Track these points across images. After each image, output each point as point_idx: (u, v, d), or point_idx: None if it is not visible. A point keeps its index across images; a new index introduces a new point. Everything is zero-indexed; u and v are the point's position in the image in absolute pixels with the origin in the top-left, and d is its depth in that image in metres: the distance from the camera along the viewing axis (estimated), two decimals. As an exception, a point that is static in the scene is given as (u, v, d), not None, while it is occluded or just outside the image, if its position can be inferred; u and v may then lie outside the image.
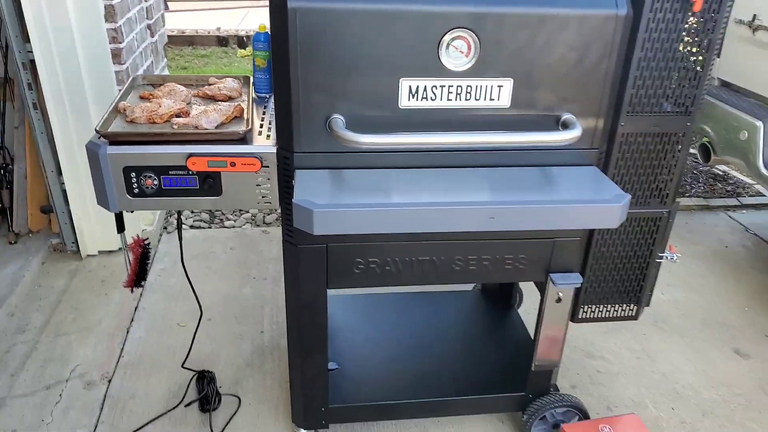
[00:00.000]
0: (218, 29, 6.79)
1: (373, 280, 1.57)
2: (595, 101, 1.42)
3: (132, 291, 1.81)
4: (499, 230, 1.29)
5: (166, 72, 3.72)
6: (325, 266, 1.52)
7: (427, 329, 2.13)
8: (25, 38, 2.37)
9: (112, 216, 1.60)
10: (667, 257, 1.82)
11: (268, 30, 1.45)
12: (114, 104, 1.51)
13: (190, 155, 1.37)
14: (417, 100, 1.35)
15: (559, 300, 1.65)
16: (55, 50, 2.33)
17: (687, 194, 3.69)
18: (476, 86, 1.35)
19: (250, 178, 1.43)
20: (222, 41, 6.76)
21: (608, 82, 1.41)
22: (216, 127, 1.45)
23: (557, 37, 1.33)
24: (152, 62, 3.05)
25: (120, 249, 2.81)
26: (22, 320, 2.40)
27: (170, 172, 1.40)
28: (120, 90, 1.65)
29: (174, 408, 2.00)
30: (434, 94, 1.35)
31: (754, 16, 2.60)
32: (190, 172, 1.40)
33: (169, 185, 1.41)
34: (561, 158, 1.47)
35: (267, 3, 1.28)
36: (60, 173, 2.65)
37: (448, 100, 1.36)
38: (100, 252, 2.83)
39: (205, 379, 2.06)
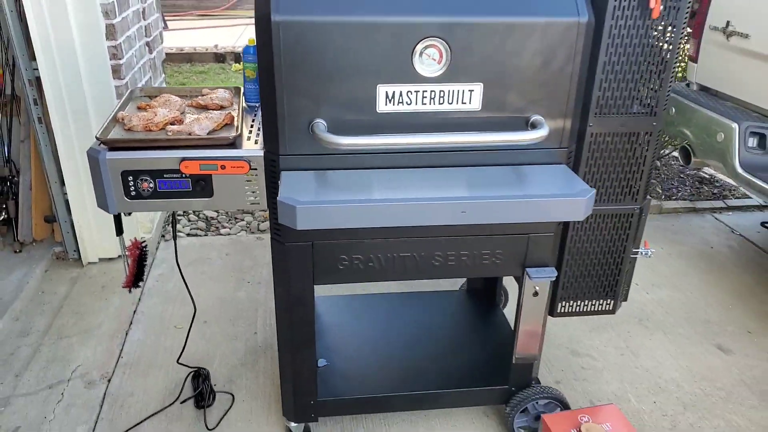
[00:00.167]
0: (215, 46, 6.94)
1: (357, 276, 1.66)
2: (562, 103, 1.51)
3: (130, 291, 1.90)
4: (470, 223, 1.38)
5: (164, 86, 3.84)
6: (312, 263, 1.61)
7: (415, 327, 2.21)
8: (31, 56, 2.49)
9: (111, 225, 1.70)
10: (642, 253, 1.90)
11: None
12: (113, 114, 1.62)
13: (183, 159, 1.46)
14: (394, 104, 1.45)
15: (536, 294, 1.73)
16: (59, 67, 2.45)
17: (673, 197, 3.78)
18: (448, 91, 1.45)
19: (240, 180, 1.52)
20: (219, 57, 6.91)
21: (573, 85, 1.50)
22: (208, 134, 1.55)
23: (523, 43, 1.43)
24: (151, 77, 3.17)
25: (119, 256, 2.91)
26: (26, 324, 2.49)
27: (165, 176, 1.49)
28: (119, 102, 1.76)
29: (170, 405, 2.08)
30: (409, 98, 1.44)
31: (728, 22, 2.70)
32: (184, 175, 1.49)
33: (164, 188, 1.51)
34: (532, 157, 1.57)
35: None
36: (63, 184, 2.76)
37: (423, 104, 1.46)
38: (100, 259, 2.92)
39: (200, 377, 2.14)
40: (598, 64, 1.56)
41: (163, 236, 3.22)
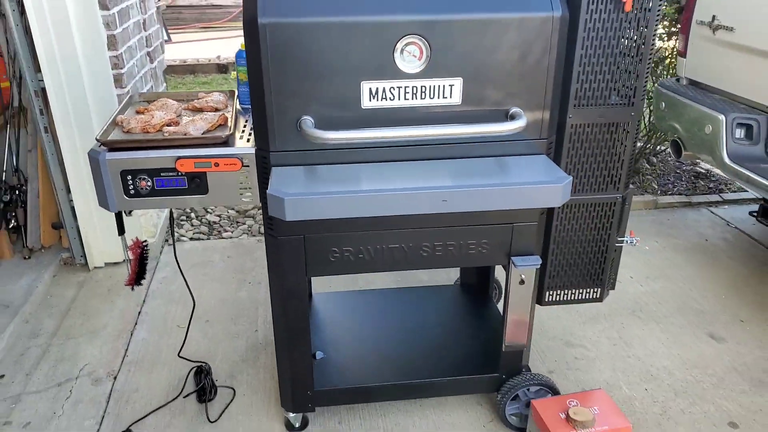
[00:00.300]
0: (218, 57, 7.07)
1: (348, 268, 1.72)
2: (540, 95, 1.57)
3: (133, 289, 1.97)
4: (451, 212, 1.44)
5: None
6: (304, 256, 1.68)
7: (409, 320, 2.27)
8: (37, 68, 2.59)
9: (116, 231, 1.78)
10: (627, 241, 1.96)
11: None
12: (112, 118, 1.70)
13: (179, 158, 1.54)
14: (378, 100, 1.52)
15: (522, 282, 1.78)
16: (63, 78, 2.54)
17: (669, 192, 3.82)
18: (430, 86, 1.52)
19: (233, 177, 1.59)
20: (222, 68, 7.03)
21: (551, 78, 1.56)
22: (202, 134, 1.63)
23: (500, 38, 1.50)
24: (152, 86, 3.26)
25: (124, 261, 2.99)
26: (35, 326, 2.57)
27: (162, 174, 1.57)
28: (119, 107, 1.84)
29: (173, 400, 2.15)
30: (392, 94, 1.51)
31: (714, 16, 2.76)
32: (180, 173, 1.57)
33: (162, 186, 1.58)
34: (513, 149, 1.63)
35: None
36: (69, 191, 2.85)
37: (406, 99, 1.53)
38: (106, 264, 3.01)
39: (202, 373, 2.21)
40: (575, 57, 1.62)
41: (166, 240, 3.30)
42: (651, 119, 3.86)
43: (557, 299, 1.96)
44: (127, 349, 2.43)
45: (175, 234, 3.36)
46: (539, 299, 1.95)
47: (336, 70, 1.47)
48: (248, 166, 1.58)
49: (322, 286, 2.82)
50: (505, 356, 1.93)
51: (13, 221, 2.95)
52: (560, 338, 2.48)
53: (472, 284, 2.50)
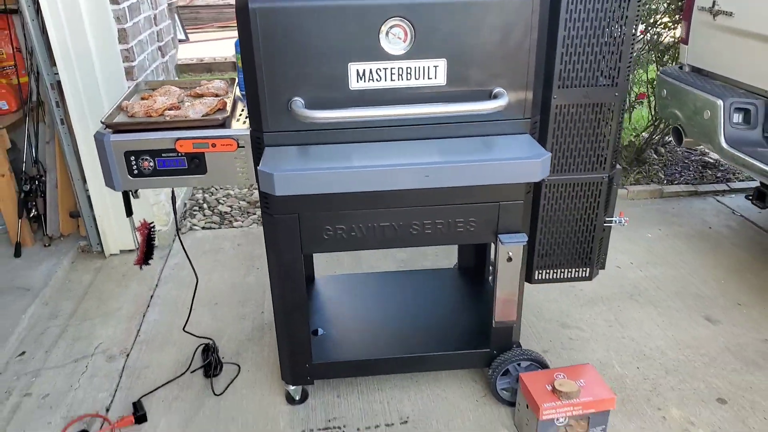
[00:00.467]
0: (234, 55, 7.21)
1: (341, 245, 1.80)
2: (522, 76, 1.63)
3: (141, 268, 2.08)
4: (433, 187, 1.51)
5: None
6: (299, 233, 1.76)
7: (407, 300, 2.34)
8: (52, 62, 2.72)
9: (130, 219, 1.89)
10: (615, 221, 2.00)
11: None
12: (118, 103, 1.80)
13: (178, 139, 1.63)
14: (365, 81, 1.59)
15: (509, 259, 1.84)
16: (77, 71, 2.67)
17: (676, 182, 3.82)
18: (415, 67, 1.59)
19: (230, 157, 1.68)
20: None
21: (532, 58, 1.62)
22: (201, 117, 1.72)
23: (481, 20, 1.56)
24: (164, 80, 3.38)
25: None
26: (54, 308, 2.70)
27: (163, 155, 1.66)
28: (125, 93, 1.94)
29: (181, 375, 2.25)
30: (379, 75, 1.59)
31: (714, 2, 2.77)
32: (180, 154, 1.66)
33: (163, 166, 1.68)
34: (497, 128, 1.69)
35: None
36: (85, 182, 2.98)
37: (392, 80, 1.60)
38: (121, 251, 3.14)
39: (209, 350, 2.31)
40: (558, 38, 1.68)
41: (179, 229, 3.42)
42: (657, 109, 3.87)
43: (546, 278, 2.01)
44: (139, 330, 2.55)
45: (188, 223, 3.49)
46: (528, 277, 2.00)
47: (324, 53, 1.55)
48: (244, 146, 1.67)
49: (327, 270, 2.91)
50: (495, 332, 1.99)
51: (33, 210, 3.10)
52: (557, 320, 2.53)
53: (470, 267, 2.56)
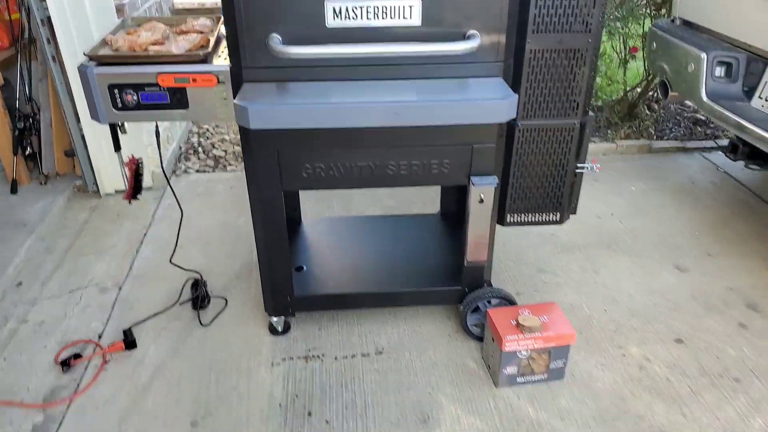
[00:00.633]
0: None
1: (320, 183, 1.87)
2: (496, 19, 1.66)
3: (130, 203, 2.16)
4: (402, 125, 1.57)
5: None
6: (278, 169, 1.83)
7: (389, 242, 2.43)
8: (42, -3, 2.74)
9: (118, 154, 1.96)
10: (587, 168, 2.06)
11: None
12: (103, 37, 1.84)
13: (160, 73, 1.69)
14: (341, 19, 1.63)
15: (481, 201, 1.91)
16: (67, 7, 2.69)
17: (666, 138, 3.85)
18: (390, 6, 1.62)
19: (211, 92, 1.74)
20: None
21: (506, 2, 1.65)
22: (183, 53, 1.76)
23: (456, -37, 1.58)
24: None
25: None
26: (50, 244, 2.81)
27: (146, 89, 1.72)
28: (111, 29, 1.98)
29: (171, 307, 2.37)
30: (355, 13, 1.62)
31: (705, -45, 2.74)
32: (162, 89, 1.72)
33: (146, 100, 1.74)
34: (470, 71, 1.73)
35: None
36: (78, 120, 3.03)
37: (368, 18, 1.63)
38: (116, 191, 3.22)
39: (198, 284, 2.42)
40: (533, -17, 1.70)
41: (174, 171, 3.50)
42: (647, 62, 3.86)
43: (518, 221, 2.09)
44: (132, 265, 2.66)
45: (183, 166, 3.56)
46: (501, 220, 2.08)
47: (301, -10, 1.58)
48: (224, 82, 1.72)
49: (317, 216, 3.00)
50: (467, 271, 2.09)
51: (28, 148, 3.17)
52: (533, 265, 2.63)
53: (451, 214, 2.63)
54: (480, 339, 2.16)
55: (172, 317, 2.33)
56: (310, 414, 1.90)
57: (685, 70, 2.71)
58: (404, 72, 1.72)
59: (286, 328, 2.22)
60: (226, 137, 3.96)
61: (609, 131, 3.87)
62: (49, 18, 2.72)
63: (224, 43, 1.93)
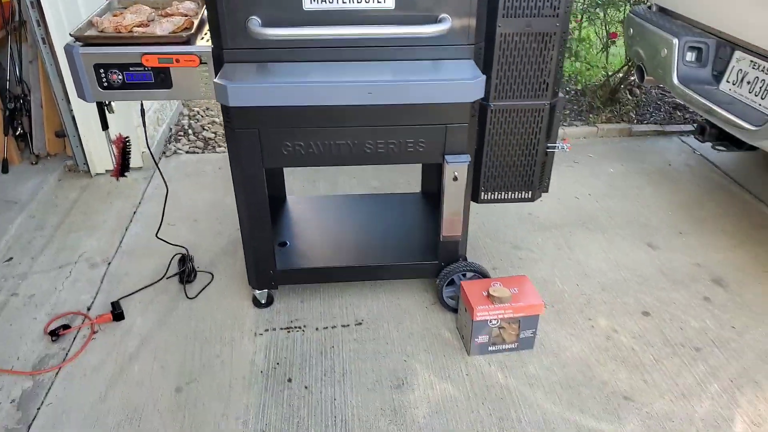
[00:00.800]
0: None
1: (300, 161, 1.95)
2: (466, 3, 1.74)
3: (118, 179, 2.24)
4: (375, 104, 1.64)
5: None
6: (259, 147, 1.91)
7: (370, 219, 2.52)
8: (32, -20, 2.78)
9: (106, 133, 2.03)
10: (558, 147, 2.15)
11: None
12: (88, 19, 1.91)
13: (144, 53, 1.76)
14: (317, 3, 1.70)
15: (455, 178, 2.00)
16: (56, -11, 2.74)
17: (646, 122, 3.94)
18: (365, -9, 1.69)
19: (193, 72, 1.81)
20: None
21: (476, -13, 1.72)
22: (167, 34, 1.83)
23: (428, -52, 1.65)
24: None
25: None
26: (41, 221, 2.88)
27: (131, 69, 1.79)
28: (97, 10, 2.04)
29: (158, 281, 2.46)
30: (331, -3, 1.69)
31: (679, -58, 2.81)
32: (146, 68, 1.79)
33: (131, 80, 1.81)
34: (442, 53, 1.81)
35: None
36: (68, 102, 3.09)
37: (343, 2, 1.70)
38: (106, 171, 3.29)
39: (185, 259, 2.51)
40: (503, -31, 1.77)
41: (164, 152, 3.56)
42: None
43: (492, 198, 2.18)
44: (121, 241, 2.74)
45: (173, 147, 3.62)
46: (475, 197, 2.17)
47: (280, -25, 1.65)
48: (206, 63, 1.79)
49: (295, 190, 3.08)
50: (442, 246, 2.18)
51: (19, 129, 3.23)
52: (510, 242, 2.72)
53: (432, 193, 2.72)
54: (455, 311, 2.26)
55: (159, 291, 2.42)
56: (290, 380, 2.00)
57: (658, 55, 2.80)
58: (379, 54, 1.79)
59: (270, 301, 2.32)
60: (216, 119, 4.02)
61: (591, 115, 3.95)
62: (38, 1, 2.76)
63: (207, 26, 2.00)
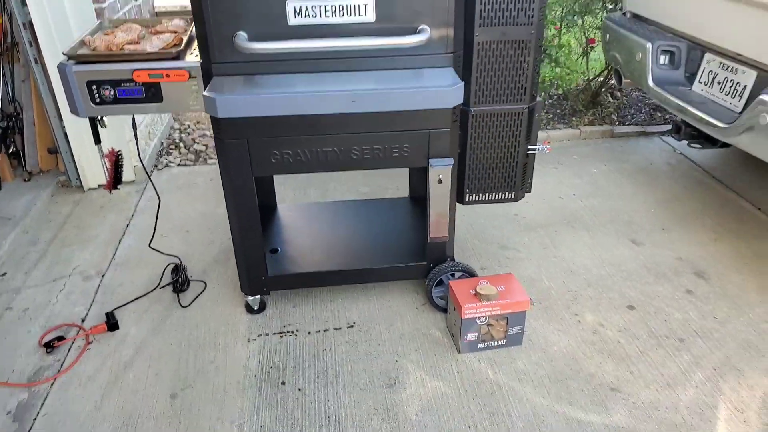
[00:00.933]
0: None
1: (288, 168, 2.01)
2: (444, 14, 1.81)
3: (110, 192, 2.29)
4: (359, 111, 1.71)
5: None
6: (248, 156, 1.97)
7: (360, 224, 2.58)
8: (23, 2, 2.84)
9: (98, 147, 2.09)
10: (539, 149, 2.22)
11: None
12: (81, 38, 1.97)
13: (135, 70, 1.82)
14: (301, 17, 1.77)
15: (440, 181, 2.07)
16: (48, 11, 2.80)
17: (628, 123, 4.03)
18: (346, 5, 1.76)
19: (183, 86, 1.87)
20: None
21: (452, -1, 1.80)
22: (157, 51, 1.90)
23: (405, -38, 1.73)
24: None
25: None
26: (34, 236, 2.92)
27: (122, 84, 1.85)
28: (88, 30, 2.10)
29: (152, 291, 2.50)
30: (314, 12, 1.76)
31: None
32: (137, 84, 1.85)
33: (123, 95, 1.87)
34: (423, 62, 1.88)
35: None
36: (61, 119, 3.14)
37: (326, 16, 1.77)
38: (99, 185, 3.33)
39: (178, 269, 2.55)
40: (477, -20, 1.85)
41: (156, 166, 3.62)
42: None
43: (476, 199, 2.25)
44: (115, 254, 2.78)
45: (164, 161, 3.68)
46: (460, 199, 2.24)
47: (264, -9, 1.72)
48: (195, 77, 1.85)
49: (285, 197, 3.14)
50: (430, 247, 2.24)
51: (12, 146, 3.27)
52: (497, 243, 2.79)
53: (419, 197, 2.79)
54: (445, 310, 2.32)
55: (153, 300, 2.47)
56: (283, 383, 2.05)
57: (634, 59, 2.89)
58: (362, 64, 1.86)
59: (262, 307, 2.37)
60: (207, 132, 4.08)
61: (574, 118, 4.04)
62: (30, 22, 2.83)
63: (196, 42, 2.07)
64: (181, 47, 1.92)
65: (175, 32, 2.10)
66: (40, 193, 3.26)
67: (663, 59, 2.72)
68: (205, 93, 1.69)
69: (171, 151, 3.83)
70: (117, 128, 3.08)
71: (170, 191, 3.31)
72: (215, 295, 2.48)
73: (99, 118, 2.03)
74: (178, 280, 2.50)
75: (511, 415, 1.93)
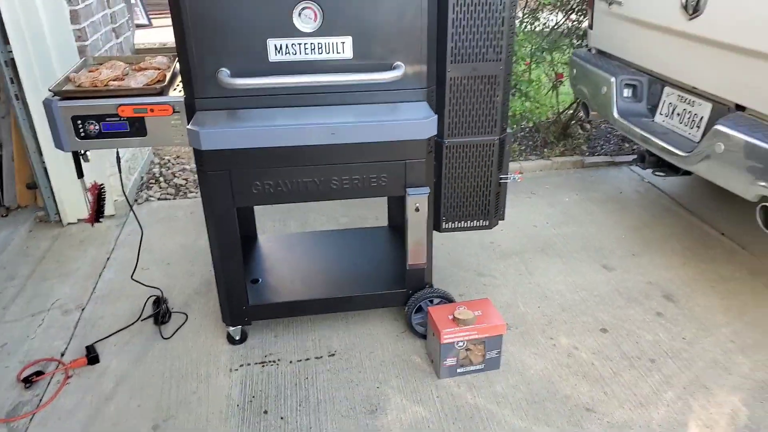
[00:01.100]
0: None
1: (270, 198, 2.07)
2: (418, 51, 1.92)
3: (93, 225, 2.32)
4: (338, 143, 1.79)
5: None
6: (230, 187, 2.02)
7: (339, 253, 2.63)
8: (5, 40, 2.89)
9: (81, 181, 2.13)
10: (510, 178, 2.32)
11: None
12: (65, 75, 2.03)
13: (120, 105, 1.88)
14: (282, 54, 1.86)
15: (417, 209, 2.14)
16: (30, 49, 2.85)
17: (597, 153, 4.19)
18: (325, 43, 1.86)
19: (167, 121, 1.94)
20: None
21: (424, 37, 1.91)
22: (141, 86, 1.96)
23: (380, 4, 1.84)
24: (110, 56, 3.57)
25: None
26: (12, 271, 2.91)
27: (107, 119, 1.91)
28: (73, 66, 2.16)
29: (133, 323, 2.51)
30: (294, 50, 1.86)
31: (609, -8, 3.11)
32: (122, 118, 1.91)
33: (107, 129, 1.92)
34: (398, 96, 1.98)
35: None
36: (41, 154, 3.17)
37: (306, 54, 1.87)
38: (78, 220, 3.34)
39: (159, 301, 2.56)
40: (448, 20, 1.97)
41: (136, 200, 3.64)
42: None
43: (453, 227, 2.33)
44: (95, 287, 2.78)
45: (145, 195, 3.70)
46: (437, 227, 2.31)
47: (246, 30, 1.81)
48: (179, 112, 1.92)
49: (267, 228, 3.18)
50: (409, 274, 2.30)
51: (-10, 182, 3.27)
52: (474, 270, 2.86)
53: (398, 226, 2.86)
54: (424, 337, 2.36)
55: (134, 332, 2.47)
56: (266, 412, 2.06)
57: (600, 92, 3.04)
58: (340, 98, 1.95)
59: (244, 338, 2.39)
60: (187, 166, 4.13)
61: (545, 150, 4.19)
62: (12, 60, 2.87)
63: (180, 78, 2.14)
64: (165, 83, 1.99)
65: (159, 69, 2.18)
66: (18, 228, 3.25)
67: (627, 92, 2.87)
68: (189, 126, 1.75)
69: (151, 185, 3.86)
70: (98, 163, 3.11)
71: (151, 225, 3.33)
72: (197, 327, 2.49)
73: (83, 152, 2.07)
74: (160, 311, 2.51)
75: (490, 438, 1.96)
